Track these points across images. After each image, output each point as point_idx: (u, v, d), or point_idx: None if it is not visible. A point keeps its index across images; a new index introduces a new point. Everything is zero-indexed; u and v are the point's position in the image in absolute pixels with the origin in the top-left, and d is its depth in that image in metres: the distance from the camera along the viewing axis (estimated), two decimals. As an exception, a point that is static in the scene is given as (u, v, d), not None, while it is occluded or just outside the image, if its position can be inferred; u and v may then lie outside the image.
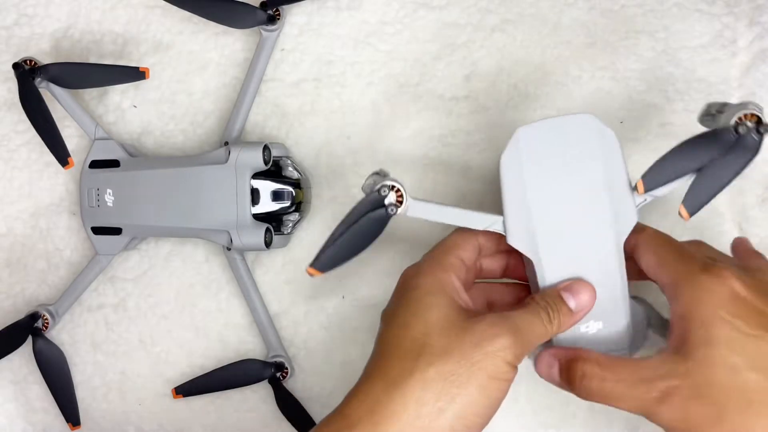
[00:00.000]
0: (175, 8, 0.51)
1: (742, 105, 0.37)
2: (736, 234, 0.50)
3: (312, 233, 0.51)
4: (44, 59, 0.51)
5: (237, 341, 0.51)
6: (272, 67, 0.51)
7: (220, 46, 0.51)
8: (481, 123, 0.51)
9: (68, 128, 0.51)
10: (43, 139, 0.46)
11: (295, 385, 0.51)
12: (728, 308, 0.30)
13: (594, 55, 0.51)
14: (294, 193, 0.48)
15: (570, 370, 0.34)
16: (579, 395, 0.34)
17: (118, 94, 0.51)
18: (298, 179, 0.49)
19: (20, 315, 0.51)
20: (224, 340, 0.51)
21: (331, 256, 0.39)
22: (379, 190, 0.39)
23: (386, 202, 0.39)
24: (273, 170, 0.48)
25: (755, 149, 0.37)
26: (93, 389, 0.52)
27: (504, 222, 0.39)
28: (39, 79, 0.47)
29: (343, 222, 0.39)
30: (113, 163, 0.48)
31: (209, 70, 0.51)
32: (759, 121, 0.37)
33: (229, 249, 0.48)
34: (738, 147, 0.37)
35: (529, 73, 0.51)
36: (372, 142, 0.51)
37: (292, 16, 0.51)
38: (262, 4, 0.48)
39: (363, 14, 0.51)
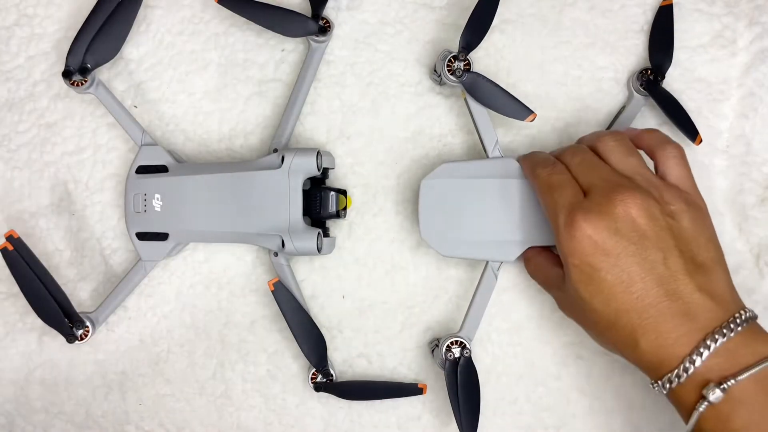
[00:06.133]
0: (175, 9, 0.51)
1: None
2: (736, 234, 0.50)
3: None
4: (45, 59, 0.52)
5: (238, 341, 0.51)
6: (272, 67, 0.51)
7: (221, 46, 0.51)
8: (481, 123, 0.51)
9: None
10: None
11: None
12: (580, 257, 0.40)
13: (594, 55, 0.51)
14: (338, 199, 0.48)
15: (525, 265, 0.48)
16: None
17: (119, 94, 0.51)
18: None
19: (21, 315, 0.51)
20: (224, 340, 0.51)
21: None
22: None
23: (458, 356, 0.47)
24: (319, 177, 0.49)
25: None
26: (93, 389, 0.52)
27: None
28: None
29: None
30: (161, 169, 0.48)
31: (209, 70, 0.51)
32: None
33: (276, 255, 0.48)
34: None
35: (528, 72, 0.51)
36: (372, 142, 0.51)
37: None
38: (313, 15, 0.48)
39: (363, 14, 0.51)
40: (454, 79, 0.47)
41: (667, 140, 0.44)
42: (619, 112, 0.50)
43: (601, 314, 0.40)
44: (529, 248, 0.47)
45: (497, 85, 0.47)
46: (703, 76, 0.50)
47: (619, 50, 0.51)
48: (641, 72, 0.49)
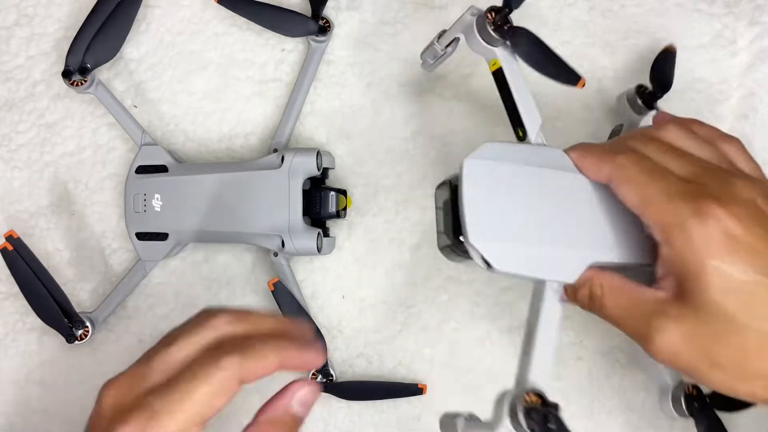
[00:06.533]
0: (175, 9, 0.51)
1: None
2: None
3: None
4: (45, 59, 0.52)
5: (237, 341, 0.51)
6: (272, 67, 0.51)
7: (220, 46, 0.51)
8: (482, 122, 0.51)
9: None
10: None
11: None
12: (722, 256, 0.29)
13: (594, 55, 0.51)
14: (338, 199, 0.49)
15: (578, 292, 0.35)
16: (592, 312, 0.35)
17: (119, 94, 0.51)
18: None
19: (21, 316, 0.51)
20: (224, 340, 0.51)
21: None
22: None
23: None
24: (319, 177, 0.49)
25: None
26: (93, 389, 0.52)
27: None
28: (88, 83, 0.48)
29: None
30: (161, 169, 0.48)
31: (209, 70, 0.51)
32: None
33: (276, 255, 0.48)
34: None
35: (528, 72, 0.51)
36: (372, 142, 0.51)
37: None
38: (313, 15, 0.48)
39: (363, 14, 0.51)
40: (497, 36, 0.39)
41: (725, 134, 0.36)
42: (614, 132, 0.49)
43: (756, 333, 0.29)
44: (590, 268, 0.35)
45: (547, 46, 0.40)
46: (703, 76, 0.50)
47: (619, 50, 0.51)
48: (638, 89, 0.47)
